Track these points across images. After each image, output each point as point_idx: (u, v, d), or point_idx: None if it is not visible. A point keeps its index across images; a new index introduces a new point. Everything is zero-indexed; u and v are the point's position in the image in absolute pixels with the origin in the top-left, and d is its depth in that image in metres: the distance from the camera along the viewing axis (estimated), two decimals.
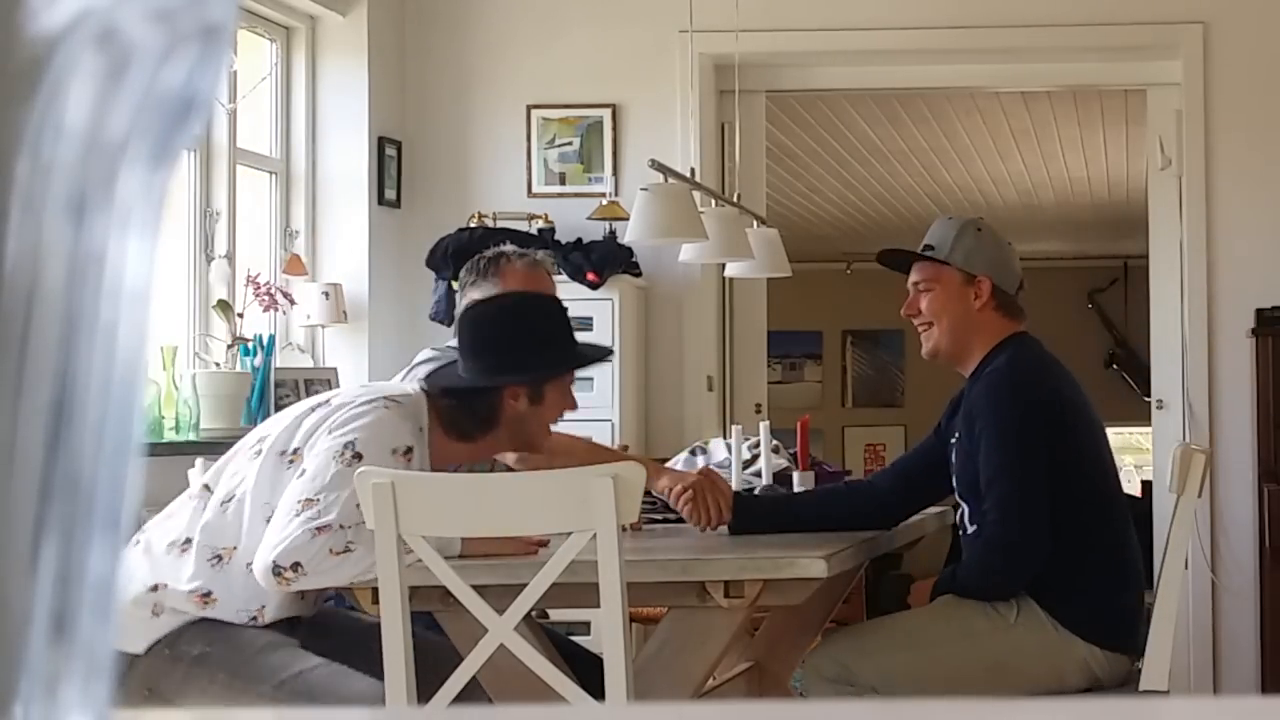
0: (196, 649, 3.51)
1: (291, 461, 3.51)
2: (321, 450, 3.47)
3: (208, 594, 3.53)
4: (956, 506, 4.15)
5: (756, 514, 4.14)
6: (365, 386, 3.85)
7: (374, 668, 3.36)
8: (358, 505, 3.37)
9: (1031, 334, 4.26)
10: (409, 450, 3.53)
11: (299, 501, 3.41)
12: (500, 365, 3.64)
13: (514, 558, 3.43)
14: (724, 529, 4.13)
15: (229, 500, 3.54)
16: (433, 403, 3.65)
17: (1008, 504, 3.91)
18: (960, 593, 4.01)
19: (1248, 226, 6.73)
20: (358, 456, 3.44)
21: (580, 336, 6.35)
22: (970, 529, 4.05)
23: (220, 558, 3.53)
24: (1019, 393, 4.00)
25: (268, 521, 3.49)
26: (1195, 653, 6.71)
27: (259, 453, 3.56)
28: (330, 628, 3.72)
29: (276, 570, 3.36)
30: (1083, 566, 3.96)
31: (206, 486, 3.60)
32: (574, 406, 3.80)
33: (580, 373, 6.71)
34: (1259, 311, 6.70)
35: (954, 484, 4.12)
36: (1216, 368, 6.74)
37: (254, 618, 3.55)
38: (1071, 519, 3.95)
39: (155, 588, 3.51)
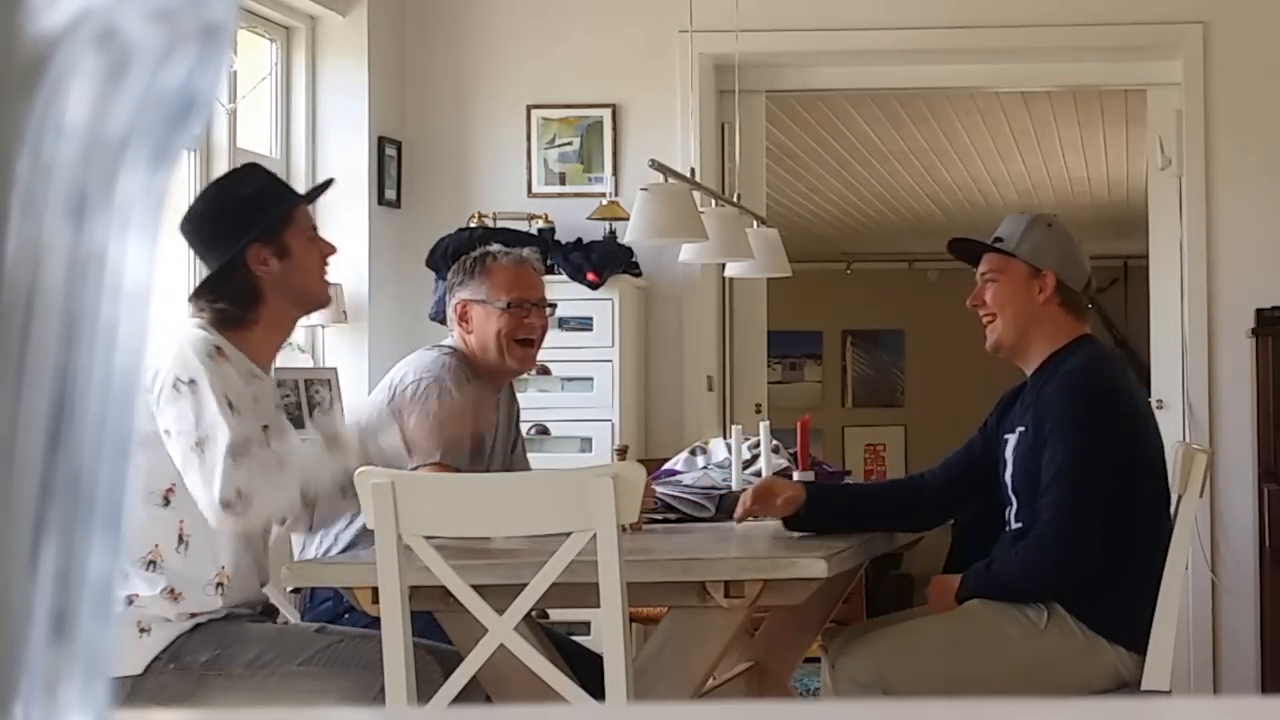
0: (204, 655, 3.51)
1: (141, 446, 3.51)
2: (161, 406, 3.46)
3: (171, 590, 3.54)
4: (1003, 504, 4.12)
5: (826, 505, 4.13)
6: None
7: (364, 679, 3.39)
8: (231, 407, 3.41)
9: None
10: (218, 349, 3.53)
11: (190, 450, 3.42)
12: (225, 237, 3.62)
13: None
14: (772, 524, 4.15)
15: None
16: (204, 315, 3.63)
17: (1064, 508, 3.88)
18: (994, 587, 3.98)
19: (1248, 226, 6.73)
20: (191, 383, 3.45)
21: (580, 337, 6.40)
22: (1015, 526, 4.03)
23: (154, 562, 3.54)
24: (1095, 397, 3.98)
25: (164, 505, 3.52)
26: (1195, 653, 6.71)
27: None
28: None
29: (225, 504, 3.38)
30: (1117, 571, 3.93)
31: None
32: (332, 250, 3.79)
33: (580, 372, 6.70)
34: (1259, 311, 6.70)
35: (1007, 479, 4.08)
36: (1216, 368, 6.74)
37: (220, 584, 3.55)
38: (1122, 527, 3.93)
39: (130, 599, 3.51)
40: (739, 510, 4.15)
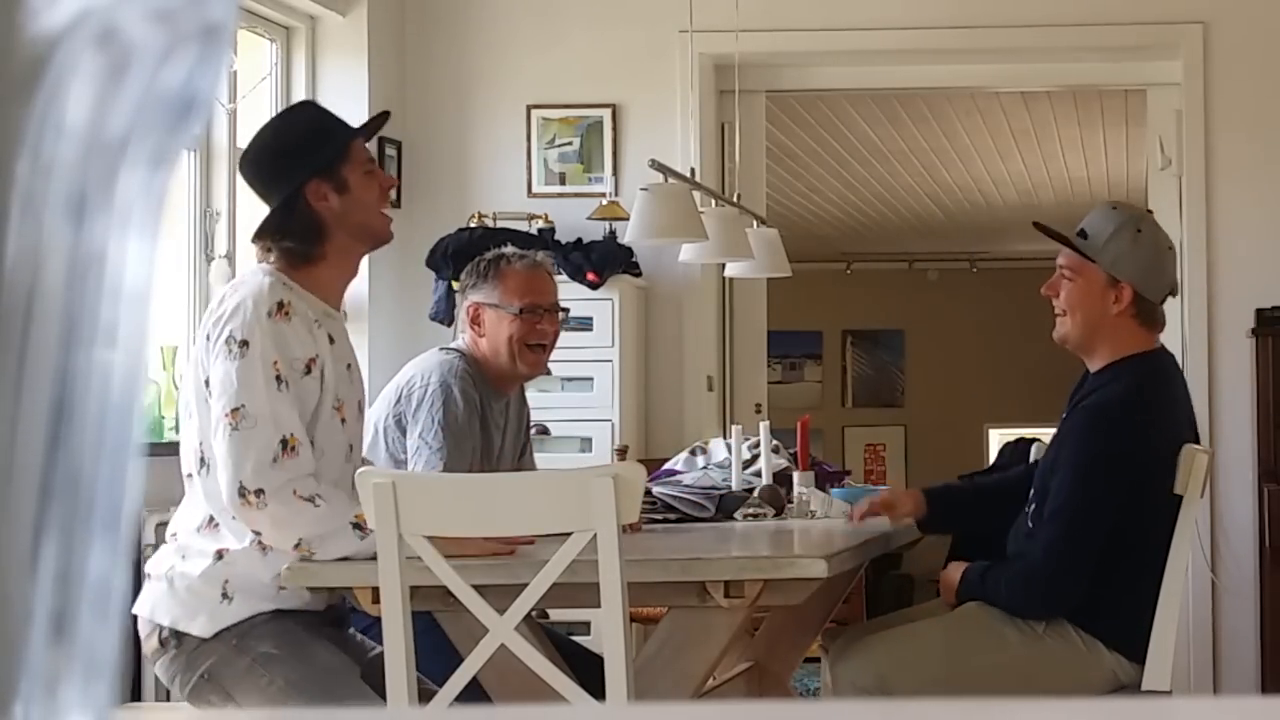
0: (264, 647, 3.50)
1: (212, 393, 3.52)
2: (213, 359, 3.47)
3: (259, 541, 3.52)
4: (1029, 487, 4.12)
5: (949, 509, 4.23)
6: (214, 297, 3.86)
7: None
8: (279, 380, 3.40)
9: (1162, 351, 4.13)
10: (282, 305, 3.50)
11: (225, 416, 3.42)
12: (284, 174, 3.61)
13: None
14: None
15: (203, 466, 3.54)
16: (268, 257, 3.62)
17: (1054, 550, 3.87)
18: (986, 599, 3.99)
19: (1248, 226, 6.73)
20: (244, 344, 3.44)
21: (580, 337, 6.40)
22: (1028, 526, 4.03)
23: None
24: (1113, 438, 3.90)
25: None
26: (1195, 653, 6.71)
27: (190, 415, 3.57)
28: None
29: (242, 492, 3.38)
30: (1118, 585, 3.90)
31: (188, 475, 3.61)
32: (391, 182, 3.75)
33: (580, 372, 6.69)
34: (1259, 311, 6.70)
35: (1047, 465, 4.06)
36: (1216, 368, 6.74)
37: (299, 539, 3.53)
38: (1124, 553, 3.89)
39: (220, 554, 3.51)
40: (856, 513, 4.22)
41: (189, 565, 3.53)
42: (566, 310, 4.55)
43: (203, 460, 3.54)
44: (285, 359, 3.47)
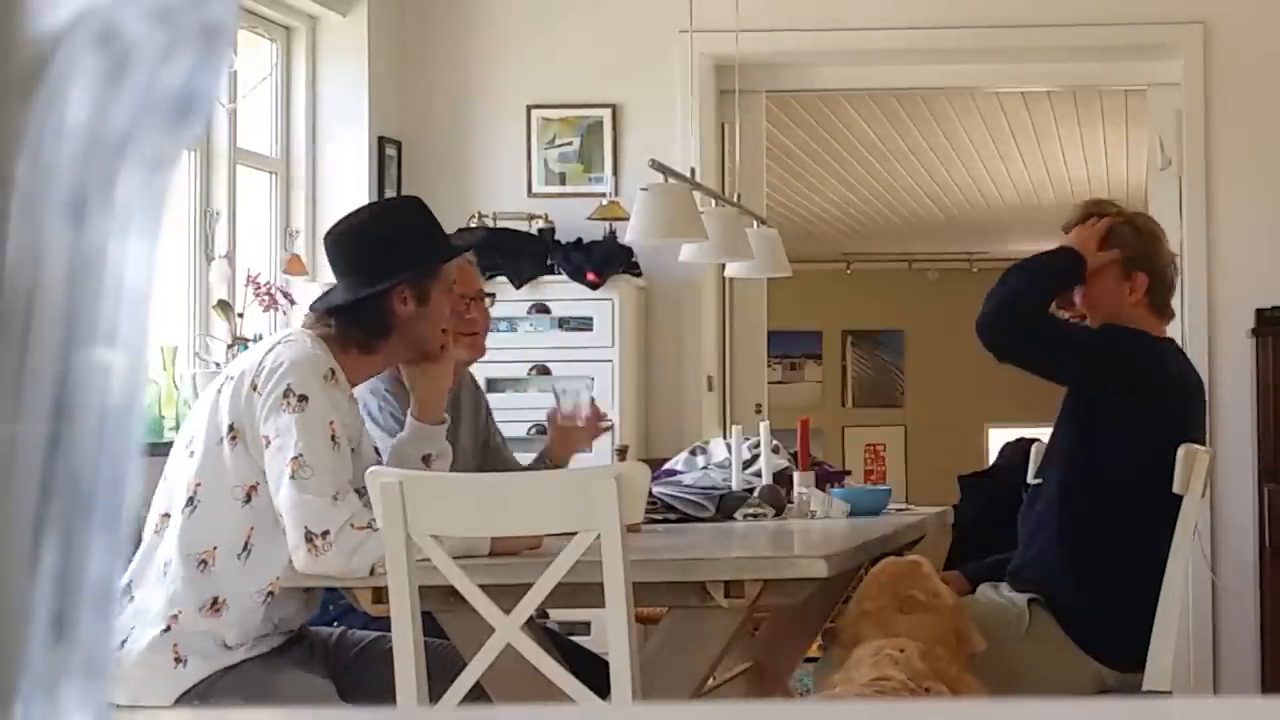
0: (228, 702, 3.43)
1: (234, 440, 3.47)
2: (268, 412, 3.43)
3: (215, 600, 3.48)
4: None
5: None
6: (253, 348, 3.83)
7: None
8: (333, 440, 3.39)
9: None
10: (333, 372, 3.50)
11: (286, 465, 3.39)
12: (381, 266, 3.60)
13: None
14: None
15: (189, 506, 3.49)
16: (322, 329, 3.61)
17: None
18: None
19: (1248, 226, 6.73)
20: (303, 399, 3.42)
21: (580, 337, 6.40)
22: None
23: (205, 561, 3.48)
24: (1118, 341, 4.00)
25: (244, 504, 3.48)
26: (1195, 653, 6.71)
27: (193, 453, 3.52)
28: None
29: (309, 538, 3.34)
30: (1111, 590, 3.89)
31: (164, 515, 3.54)
32: (459, 307, 3.75)
33: (580, 372, 6.69)
34: (1259, 311, 6.70)
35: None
36: (1216, 368, 6.74)
37: (270, 593, 3.51)
38: (1123, 555, 3.89)
39: (168, 627, 3.46)
40: None
41: (136, 639, 3.45)
42: (492, 295, 4.51)
43: (193, 499, 3.49)
44: (340, 423, 3.46)
